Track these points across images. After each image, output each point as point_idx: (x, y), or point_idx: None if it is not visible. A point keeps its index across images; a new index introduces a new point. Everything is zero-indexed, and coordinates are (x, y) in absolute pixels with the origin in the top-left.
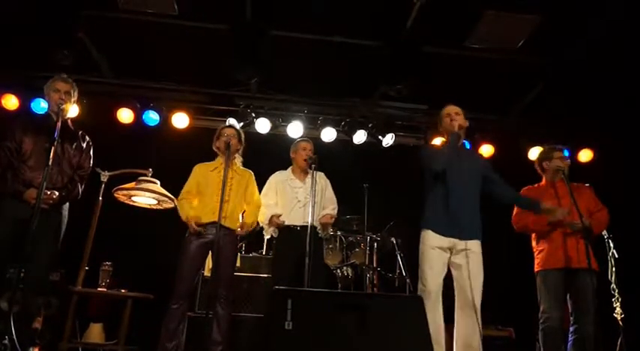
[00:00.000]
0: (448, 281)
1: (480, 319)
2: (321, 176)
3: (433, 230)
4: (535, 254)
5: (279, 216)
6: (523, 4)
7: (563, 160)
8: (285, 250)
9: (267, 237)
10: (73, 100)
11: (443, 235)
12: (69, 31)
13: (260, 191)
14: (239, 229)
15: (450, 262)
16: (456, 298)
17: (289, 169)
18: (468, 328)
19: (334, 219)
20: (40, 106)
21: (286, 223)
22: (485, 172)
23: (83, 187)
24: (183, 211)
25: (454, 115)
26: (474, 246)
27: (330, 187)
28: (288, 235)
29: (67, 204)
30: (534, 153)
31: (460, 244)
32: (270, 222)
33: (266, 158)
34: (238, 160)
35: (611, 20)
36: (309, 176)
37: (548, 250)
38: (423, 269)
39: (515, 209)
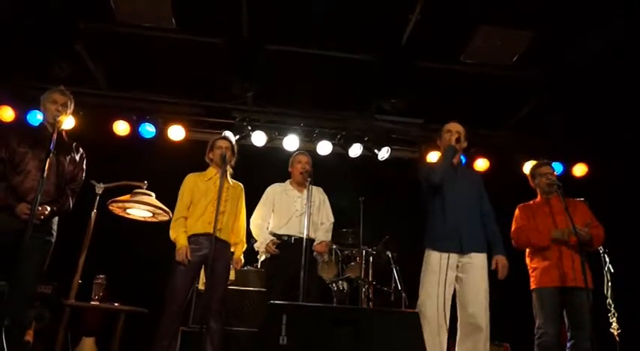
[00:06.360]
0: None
1: (487, 339)
2: (319, 191)
3: (434, 248)
4: (530, 272)
5: (274, 243)
6: (517, 20)
7: (548, 175)
8: (278, 263)
9: (261, 259)
10: (69, 112)
11: (443, 251)
12: (66, 44)
13: (256, 204)
14: (235, 265)
15: (455, 278)
16: (458, 316)
17: (287, 181)
18: (467, 348)
19: (328, 246)
20: (36, 117)
21: (282, 232)
22: (481, 188)
23: (74, 200)
24: (175, 233)
25: (454, 133)
26: (477, 259)
27: (327, 202)
28: (283, 248)
29: (57, 217)
30: (528, 167)
31: (461, 258)
32: (267, 249)
33: (261, 171)
34: (228, 172)
35: (606, 35)
36: (307, 189)
37: (543, 268)
38: (421, 293)
39: (514, 224)
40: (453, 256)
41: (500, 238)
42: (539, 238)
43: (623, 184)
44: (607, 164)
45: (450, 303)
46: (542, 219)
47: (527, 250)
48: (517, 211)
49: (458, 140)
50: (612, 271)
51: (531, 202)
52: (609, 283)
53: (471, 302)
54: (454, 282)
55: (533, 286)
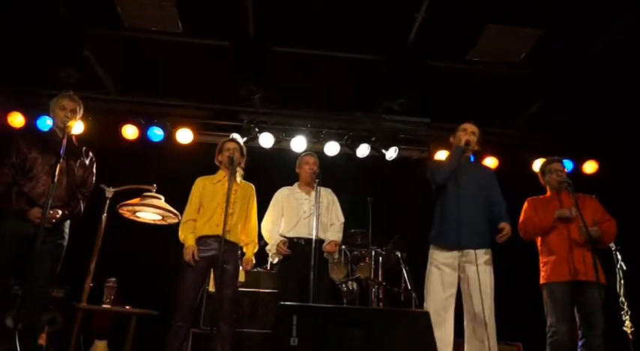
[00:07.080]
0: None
1: (494, 337)
2: (327, 192)
3: (437, 245)
4: (540, 267)
5: (285, 243)
6: (524, 18)
7: (559, 172)
8: (290, 264)
9: (274, 261)
10: (78, 117)
11: (446, 248)
12: (74, 49)
13: (266, 208)
14: (246, 266)
15: (457, 278)
16: (464, 313)
17: (295, 184)
18: (475, 347)
19: (338, 245)
20: (46, 123)
21: (292, 235)
22: (489, 182)
23: (85, 204)
24: (183, 234)
25: (469, 133)
26: (479, 256)
27: (337, 203)
28: (293, 249)
29: (68, 221)
30: (538, 165)
31: (462, 254)
32: (278, 250)
33: (269, 173)
34: (239, 173)
35: (613, 32)
36: (315, 190)
37: (554, 262)
38: (425, 288)
39: (522, 216)
40: (454, 254)
41: (505, 210)
42: (544, 220)
43: (634, 180)
44: (618, 161)
45: (453, 299)
46: (551, 212)
47: (538, 245)
48: (526, 204)
49: (467, 143)
50: (624, 268)
51: (541, 196)
52: (621, 281)
53: (474, 301)
54: (456, 280)
55: (543, 281)
